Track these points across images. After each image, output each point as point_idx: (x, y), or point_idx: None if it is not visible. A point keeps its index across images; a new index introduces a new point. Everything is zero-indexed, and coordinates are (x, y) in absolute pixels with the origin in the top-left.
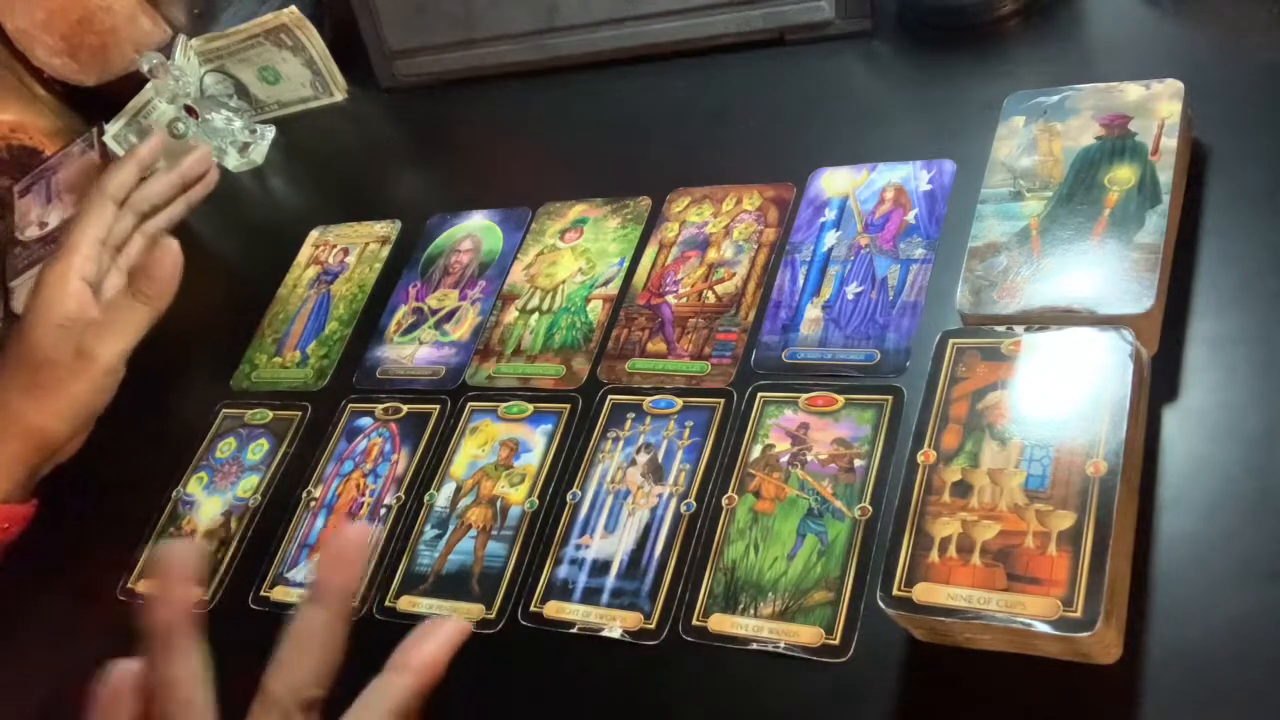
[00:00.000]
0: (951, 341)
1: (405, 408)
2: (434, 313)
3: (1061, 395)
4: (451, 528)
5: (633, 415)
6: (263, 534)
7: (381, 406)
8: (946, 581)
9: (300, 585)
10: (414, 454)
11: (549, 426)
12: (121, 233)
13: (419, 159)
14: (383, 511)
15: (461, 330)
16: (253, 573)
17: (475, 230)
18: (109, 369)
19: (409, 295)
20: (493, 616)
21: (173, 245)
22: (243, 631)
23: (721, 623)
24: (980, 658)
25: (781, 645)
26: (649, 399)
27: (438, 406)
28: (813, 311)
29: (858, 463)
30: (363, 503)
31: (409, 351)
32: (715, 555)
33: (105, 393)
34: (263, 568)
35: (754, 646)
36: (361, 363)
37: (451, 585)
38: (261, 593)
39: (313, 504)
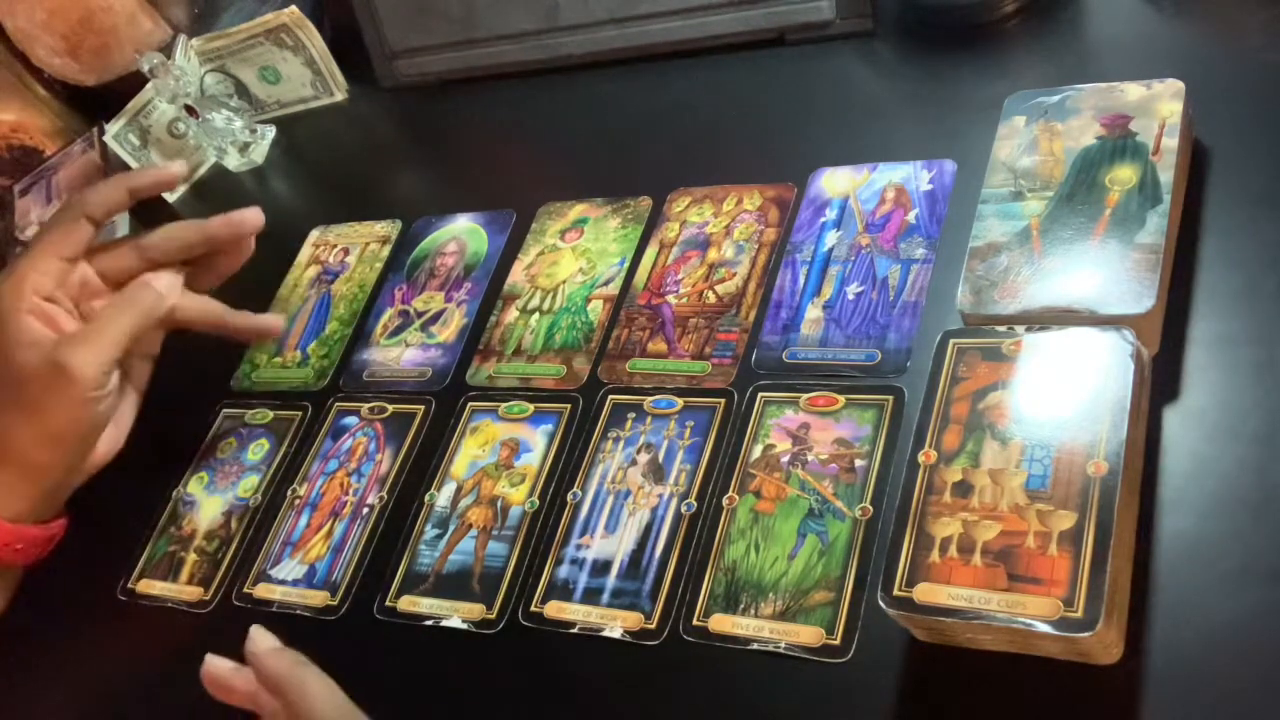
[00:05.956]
0: (952, 341)
1: (391, 407)
2: (420, 315)
3: (1062, 395)
4: (452, 527)
5: (633, 415)
6: (263, 534)
7: (367, 405)
8: (947, 581)
9: (283, 583)
10: (398, 454)
11: (550, 426)
12: (107, 267)
13: (419, 159)
14: (365, 511)
15: (448, 332)
16: (251, 569)
17: (460, 233)
18: (89, 384)
19: (395, 298)
20: (493, 616)
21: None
22: (234, 629)
23: (722, 623)
24: (980, 658)
25: (782, 645)
26: (649, 399)
27: (423, 406)
28: (813, 311)
29: (858, 463)
30: (346, 501)
31: (395, 354)
32: (716, 555)
33: (91, 409)
34: (252, 566)
35: (754, 646)
36: (348, 365)
37: (452, 585)
38: (245, 589)
39: (297, 501)
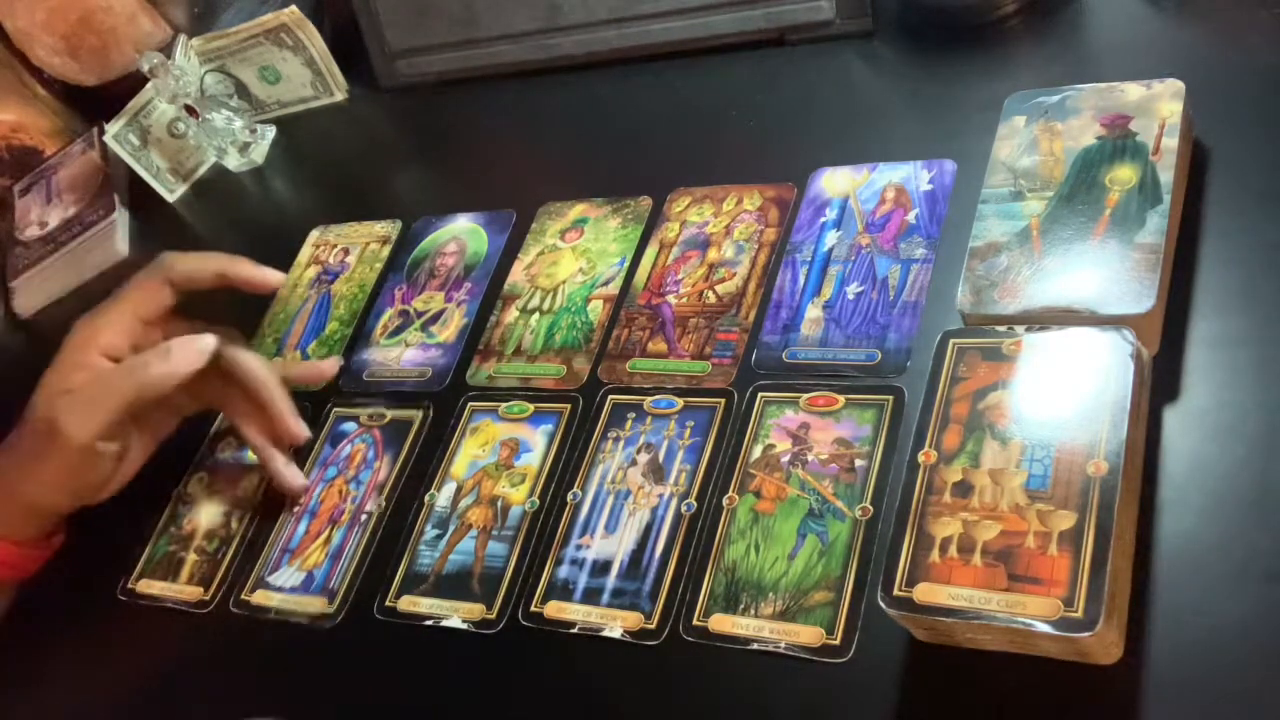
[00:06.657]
0: (952, 341)
1: (389, 414)
2: (420, 315)
3: (1062, 395)
4: (452, 528)
5: (633, 415)
6: (263, 535)
7: (366, 413)
8: (947, 581)
9: (281, 589)
10: (396, 460)
11: (550, 426)
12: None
13: (419, 159)
14: (363, 518)
15: (448, 332)
16: (249, 575)
17: (460, 233)
18: (76, 450)
19: (395, 298)
20: (493, 616)
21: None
22: (235, 629)
23: (722, 623)
24: (980, 658)
25: (782, 645)
26: (649, 399)
27: (420, 412)
28: (813, 311)
29: (858, 463)
30: (344, 509)
31: (395, 354)
32: (716, 555)
33: (89, 471)
34: (252, 566)
35: (754, 646)
36: (348, 365)
37: (452, 585)
38: (242, 596)
39: (296, 509)
